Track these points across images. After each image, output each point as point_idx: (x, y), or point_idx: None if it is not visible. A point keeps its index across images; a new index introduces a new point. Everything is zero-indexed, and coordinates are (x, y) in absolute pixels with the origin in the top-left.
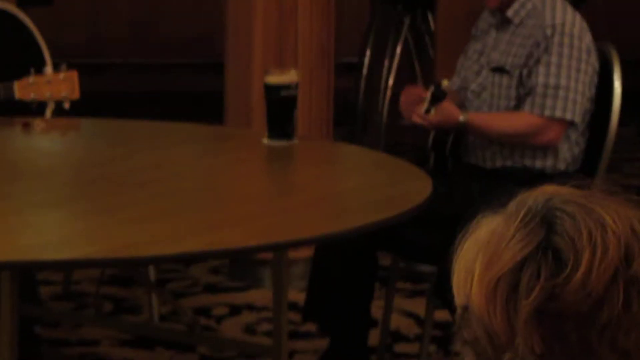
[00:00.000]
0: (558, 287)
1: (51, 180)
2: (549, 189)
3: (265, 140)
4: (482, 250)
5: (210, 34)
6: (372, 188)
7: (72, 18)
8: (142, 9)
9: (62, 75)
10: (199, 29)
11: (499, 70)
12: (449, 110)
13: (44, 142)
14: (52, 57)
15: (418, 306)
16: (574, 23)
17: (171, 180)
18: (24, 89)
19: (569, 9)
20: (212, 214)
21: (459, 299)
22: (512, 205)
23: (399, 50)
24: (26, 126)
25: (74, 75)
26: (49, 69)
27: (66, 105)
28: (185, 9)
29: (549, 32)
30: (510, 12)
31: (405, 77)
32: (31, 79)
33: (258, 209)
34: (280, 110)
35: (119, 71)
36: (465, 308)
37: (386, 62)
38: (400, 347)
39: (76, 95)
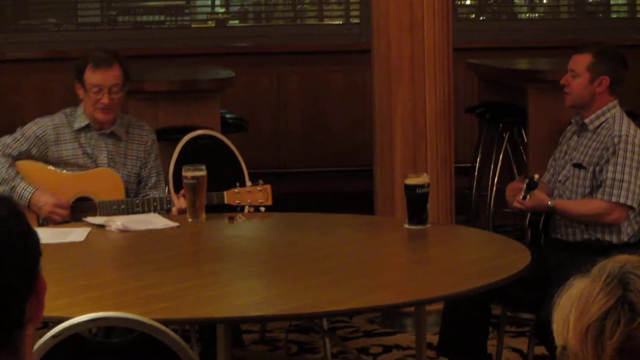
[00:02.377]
0: (634, 331)
1: (251, 258)
2: (622, 257)
3: (406, 225)
4: (575, 304)
5: (363, 145)
6: (486, 259)
7: (260, 140)
8: (313, 129)
9: (259, 187)
10: (354, 142)
11: (579, 166)
12: (540, 197)
13: (244, 230)
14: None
15: (521, 344)
16: (635, 135)
17: (338, 256)
18: (232, 196)
19: (632, 125)
20: (369, 280)
21: (558, 341)
22: (595, 270)
23: (501, 156)
24: (231, 219)
25: (269, 187)
26: (248, 182)
27: (262, 209)
28: (343, 129)
29: (616, 140)
30: (587, 120)
31: (506, 176)
32: (237, 189)
33: (402, 276)
34: (417, 203)
35: (295, 177)
36: (564, 348)
37: (492, 166)
38: None
39: (269, 202)
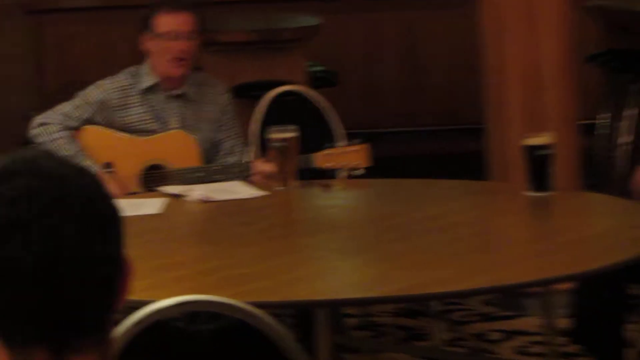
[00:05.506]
0: None
1: (350, 232)
2: None
3: (526, 192)
4: None
5: (471, 100)
6: (619, 230)
7: (350, 96)
8: (411, 82)
9: (355, 147)
10: (460, 97)
11: None
12: None
13: (339, 200)
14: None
15: None
16: None
17: (447, 230)
18: (323, 158)
19: None
20: (487, 257)
21: None
22: None
23: (628, 112)
24: (326, 187)
25: (366, 147)
26: (342, 142)
27: (358, 173)
28: (446, 81)
29: None
30: None
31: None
32: (328, 150)
33: (525, 251)
34: (538, 166)
35: (392, 138)
36: None
37: (619, 123)
38: None
39: (367, 163)
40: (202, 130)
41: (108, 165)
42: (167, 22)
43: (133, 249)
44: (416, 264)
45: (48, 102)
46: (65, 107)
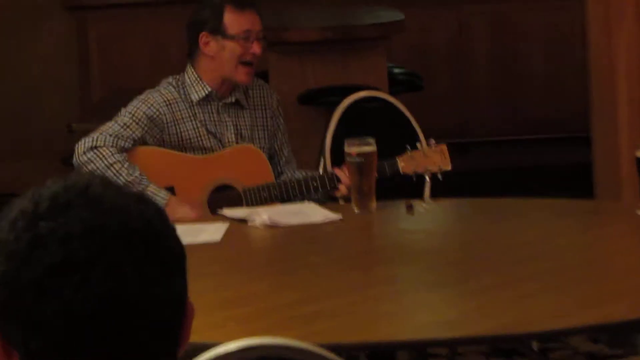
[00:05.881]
0: None
1: (437, 261)
2: None
3: (639, 212)
4: None
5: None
6: None
7: (437, 102)
8: (506, 86)
9: (434, 148)
10: (561, 103)
11: None
12: None
13: (424, 224)
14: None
15: None
16: None
17: (549, 257)
18: (407, 163)
19: None
20: (594, 287)
21: None
22: None
23: None
24: (409, 208)
25: (444, 147)
26: (423, 143)
27: (440, 177)
28: (545, 85)
29: None
30: None
31: None
32: (410, 153)
33: (638, 281)
34: None
35: (483, 148)
36: None
37: None
38: None
39: (448, 166)
40: (258, 139)
41: (170, 189)
42: (239, 21)
43: (192, 283)
44: (512, 297)
45: (92, 112)
46: (113, 127)
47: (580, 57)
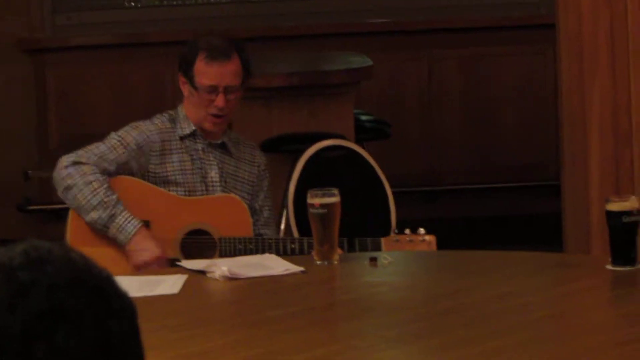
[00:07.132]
0: None
1: (402, 315)
2: None
3: (609, 266)
4: None
5: (545, 154)
6: None
7: (406, 149)
8: (477, 133)
9: (422, 237)
10: (533, 151)
11: None
12: None
13: (390, 276)
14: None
15: None
16: None
17: (518, 312)
18: (390, 245)
19: None
20: (564, 345)
21: None
22: None
23: None
24: (373, 261)
25: (433, 239)
26: (408, 230)
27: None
28: (517, 132)
29: None
30: None
31: None
32: (395, 237)
33: (608, 339)
34: (623, 236)
35: (453, 197)
36: None
37: None
38: None
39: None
40: (237, 190)
41: (147, 223)
42: (207, 74)
43: (148, 336)
44: (482, 354)
45: (50, 158)
46: (100, 148)
47: (552, 104)
